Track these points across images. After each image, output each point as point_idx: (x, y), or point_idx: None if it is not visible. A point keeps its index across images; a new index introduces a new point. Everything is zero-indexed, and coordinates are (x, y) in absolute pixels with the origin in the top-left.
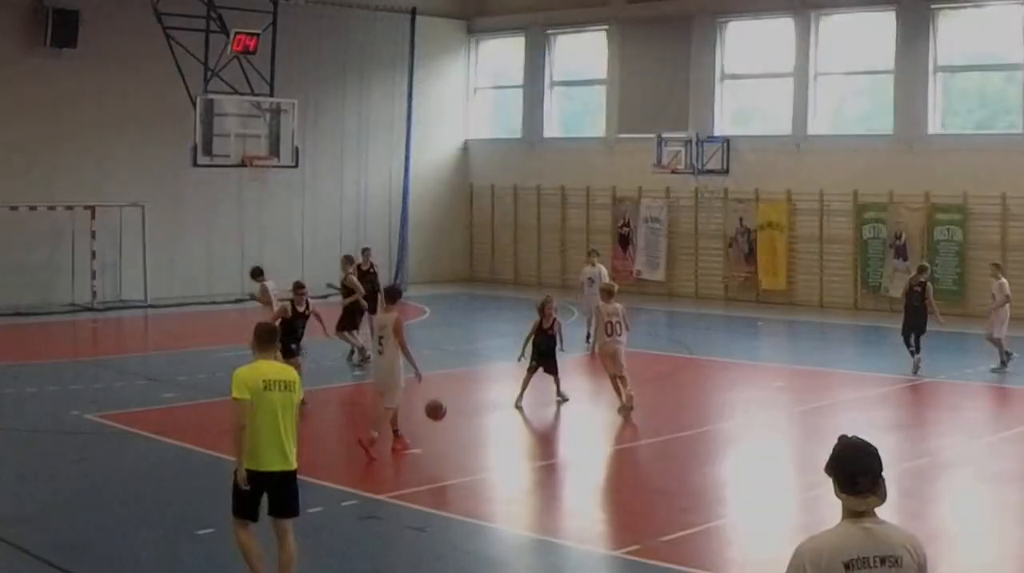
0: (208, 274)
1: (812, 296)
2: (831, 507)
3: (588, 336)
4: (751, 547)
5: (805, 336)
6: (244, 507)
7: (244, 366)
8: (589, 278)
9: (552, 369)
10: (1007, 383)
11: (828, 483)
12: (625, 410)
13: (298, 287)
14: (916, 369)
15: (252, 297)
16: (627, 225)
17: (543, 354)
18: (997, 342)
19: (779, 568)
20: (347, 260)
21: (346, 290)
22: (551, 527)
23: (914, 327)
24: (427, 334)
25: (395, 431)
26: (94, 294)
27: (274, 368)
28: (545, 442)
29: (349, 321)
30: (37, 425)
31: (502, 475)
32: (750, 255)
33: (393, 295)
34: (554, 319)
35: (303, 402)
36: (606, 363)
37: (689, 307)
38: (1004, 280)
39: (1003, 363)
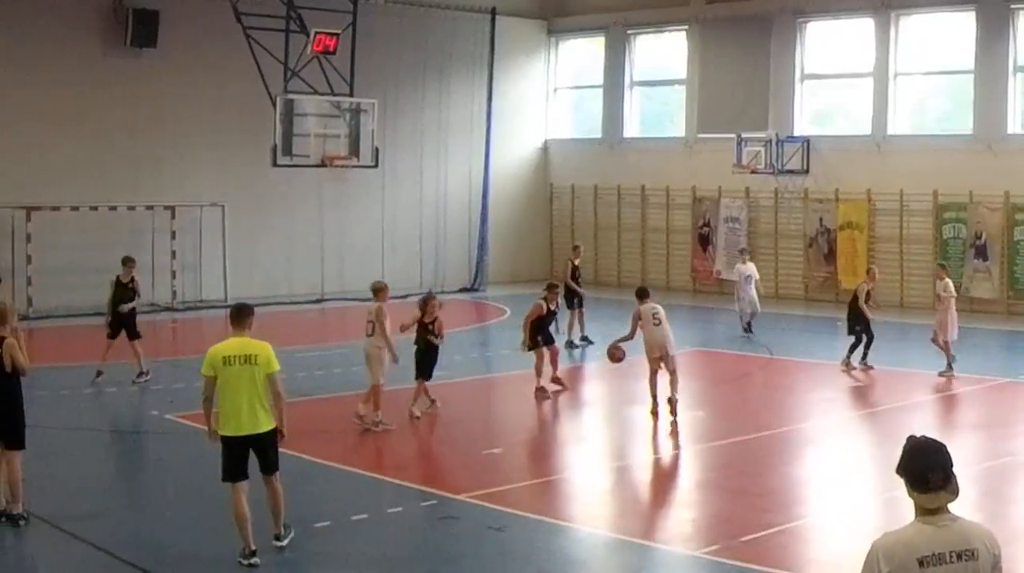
0: (288, 274)
1: (892, 296)
2: (910, 507)
3: (747, 327)
4: (830, 547)
5: (885, 336)
6: (228, 469)
7: (217, 345)
8: (747, 276)
9: (424, 372)
10: None
11: (902, 484)
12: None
13: (551, 287)
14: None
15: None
16: (707, 225)
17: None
18: (945, 346)
19: (857, 568)
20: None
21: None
22: (630, 527)
23: None
24: (507, 334)
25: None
26: (174, 294)
27: (236, 344)
28: (623, 442)
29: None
30: (117, 425)
31: (580, 475)
32: (830, 255)
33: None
34: (436, 317)
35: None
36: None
37: (769, 307)
38: (949, 280)
39: (950, 367)
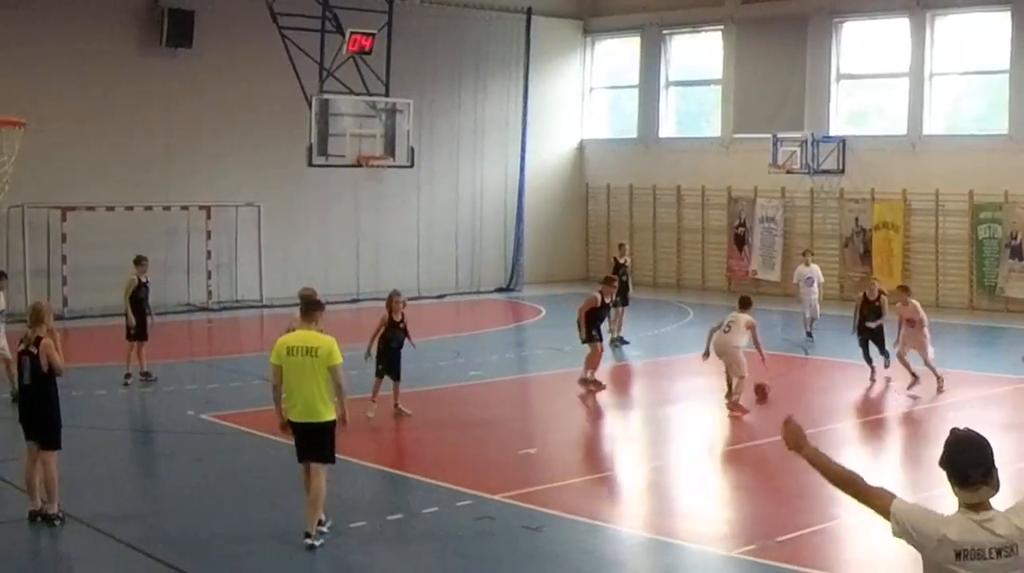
0: (324, 274)
1: (927, 296)
2: (949, 508)
3: (808, 333)
4: (866, 547)
5: None
6: (297, 452)
7: (283, 336)
8: (807, 278)
9: (396, 372)
10: None
11: (946, 482)
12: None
13: (608, 280)
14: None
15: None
16: (743, 225)
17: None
18: (931, 365)
19: (894, 568)
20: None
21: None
22: (667, 527)
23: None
24: (543, 334)
25: None
26: (209, 294)
27: (301, 337)
28: (660, 442)
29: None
30: (153, 425)
31: (617, 475)
32: (865, 255)
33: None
34: (402, 315)
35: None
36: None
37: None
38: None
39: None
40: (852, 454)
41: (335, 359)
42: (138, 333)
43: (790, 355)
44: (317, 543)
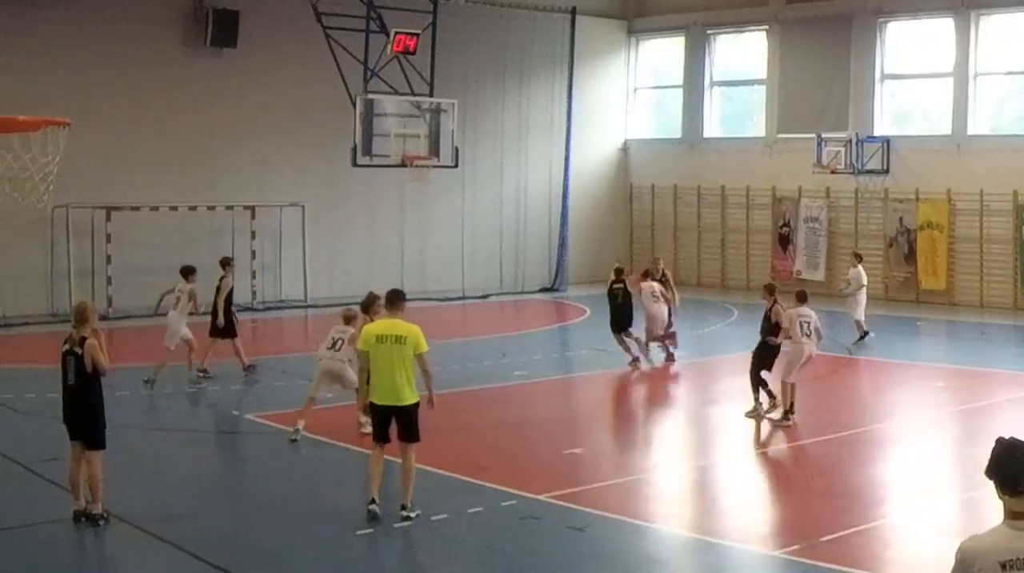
0: (368, 274)
1: (972, 296)
2: (992, 508)
3: (864, 336)
4: (910, 547)
5: (965, 336)
6: (375, 432)
7: (370, 324)
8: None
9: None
10: None
11: (988, 483)
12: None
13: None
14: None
15: None
16: (787, 225)
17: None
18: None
19: (938, 568)
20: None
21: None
22: (711, 527)
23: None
24: (587, 334)
25: None
26: (254, 294)
27: (388, 325)
28: (704, 442)
29: None
30: (198, 425)
31: (661, 475)
32: (910, 255)
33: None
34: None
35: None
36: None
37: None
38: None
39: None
40: (893, 455)
41: (422, 346)
42: (229, 330)
43: (834, 355)
44: (412, 514)
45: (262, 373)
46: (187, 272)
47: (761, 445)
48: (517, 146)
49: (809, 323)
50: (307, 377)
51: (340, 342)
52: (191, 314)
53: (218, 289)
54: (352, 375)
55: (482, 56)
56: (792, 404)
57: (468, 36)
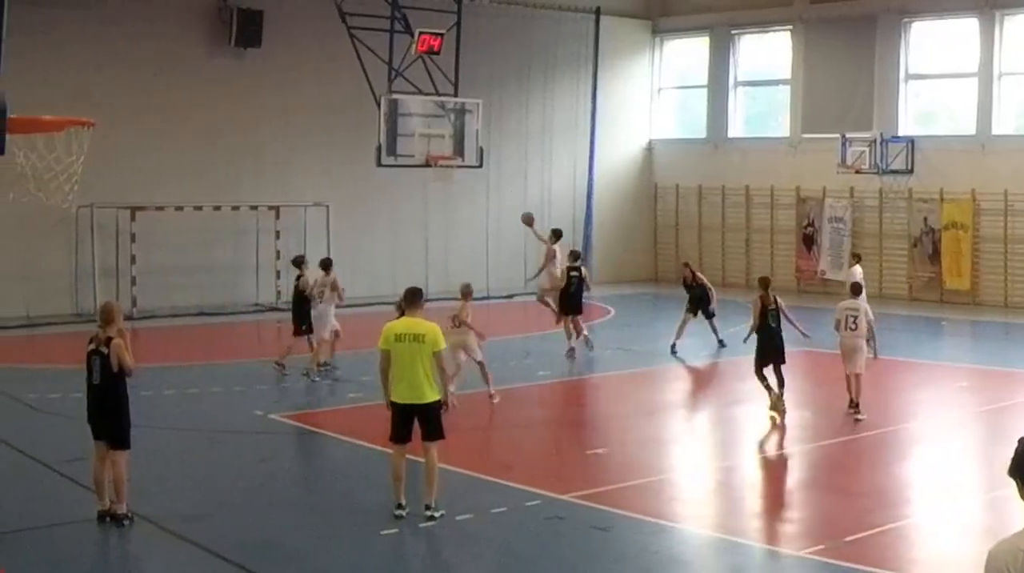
0: (392, 274)
1: (996, 296)
2: (1015, 507)
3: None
4: (935, 547)
5: (989, 336)
6: (394, 432)
7: (391, 322)
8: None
9: None
10: None
11: (1012, 483)
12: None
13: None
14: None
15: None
16: (811, 225)
17: None
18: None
19: (962, 568)
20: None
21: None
22: (735, 527)
23: None
24: (612, 334)
25: None
26: (278, 294)
27: (408, 323)
28: (728, 442)
29: None
30: (222, 425)
31: (686, 475)
32: (934, 255)
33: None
34: None
35: None
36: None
37: (872, 307)
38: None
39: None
40: (917, 454)
41: (440, 345)
42: (310, 326)
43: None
44: (437, 514)
45: (288, 372)
46: (326, 265)
47: (782, 446)
48: (541, 146)
49: (855, 317)
50: (331, 376)
51: (456, 318)
52: (337, 306)
53: (299, 288)
54: (474, 342)
55: (507, 56)
56: (851, 398)
57: (493, 36)
